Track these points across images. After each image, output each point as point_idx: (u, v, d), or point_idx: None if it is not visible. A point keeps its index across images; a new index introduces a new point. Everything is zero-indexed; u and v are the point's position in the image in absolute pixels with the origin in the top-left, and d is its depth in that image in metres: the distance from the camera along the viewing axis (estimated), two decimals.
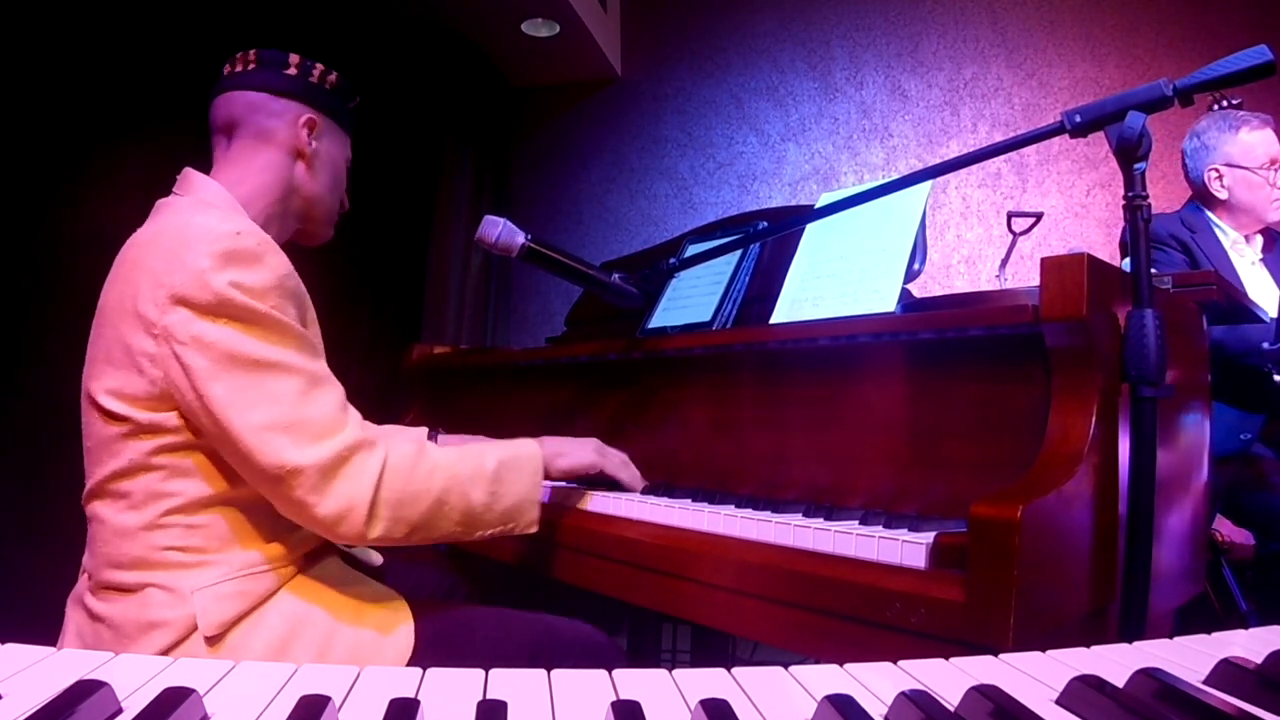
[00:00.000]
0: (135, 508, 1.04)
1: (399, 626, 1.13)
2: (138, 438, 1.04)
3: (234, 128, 1.20)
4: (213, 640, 1.02)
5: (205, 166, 1.21)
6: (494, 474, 1.15)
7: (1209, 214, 2.24)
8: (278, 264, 1.07)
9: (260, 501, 1.07)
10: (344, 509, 1.03)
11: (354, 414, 1.09)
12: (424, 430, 1.55)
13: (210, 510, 1.06)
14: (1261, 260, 2.22)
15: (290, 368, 1.04)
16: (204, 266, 1.01)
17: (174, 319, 1.00)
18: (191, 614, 1.01)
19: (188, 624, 1.01)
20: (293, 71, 1.23)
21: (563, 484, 1.43)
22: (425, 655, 1.11)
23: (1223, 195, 2.21)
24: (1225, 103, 2.36)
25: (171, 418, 1.03)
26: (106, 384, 1.04)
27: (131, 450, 1.04)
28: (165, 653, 1.00)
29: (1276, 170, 2.15)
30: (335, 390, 1.09)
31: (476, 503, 1.13)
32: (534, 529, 1.20)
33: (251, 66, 1.21)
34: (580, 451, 1.31)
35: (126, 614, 1.03)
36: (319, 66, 1.25)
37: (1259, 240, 2.25)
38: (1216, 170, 2.21)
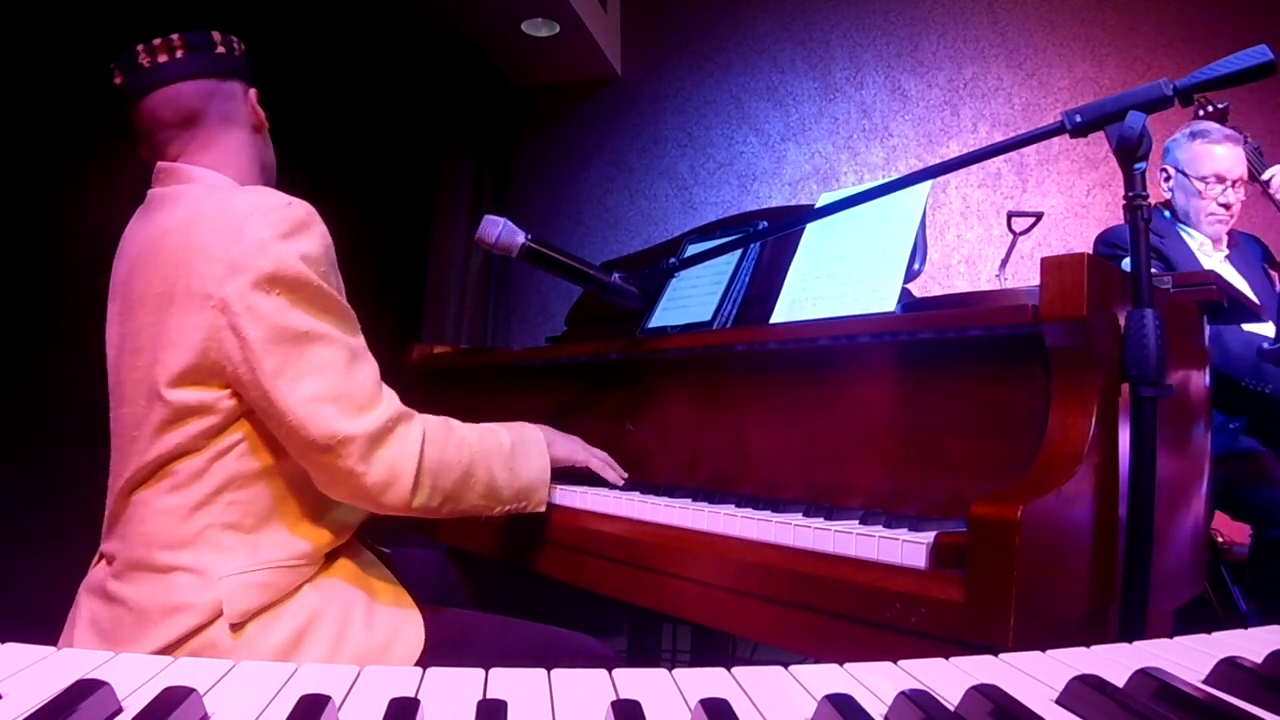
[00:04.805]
0: (178, 488, 1.05)
1: (409, 631, 1.14)
2: (185, 420, 1.04)
3: (195, 118, 1.16)
4: (235, 628, 1.02)
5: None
6: (511, 451, 1.22)
7: (1173, 218, 2.28)
8: (324, 232, 1.10)
9: (300, 479, 1.08)
10: (390, 477, 1.06)
11: (387, 387, 1.11)
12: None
13: (251, 487, 1.07)
14: (1227, 258, 2.24)
15: (334, 340, 1.06)
16: (264, 236, 1.02)
17: (231, 290, 1.01)
18: (217, 599, 1.02)
19: (213, 609, 1.02)
20: (222, 50, 1.19)
21: (559, 484, 1.43)
22: (431, 659, 1.12)
23: (1166, 195, 2.27)
24: (1211, 107, 2.38)
25: (218, 396, 1.04)
26: (156, 369, 1.04)
27: (177, 434, 1.05)
28: (188, 636, 1.01)
29: (1218, 187, 2.16)
30: (372, 363, 1.11)
31: (498, 477, 1.19)
32: (543, 508, 1.27)
33: (180, 54, 1.15)
34: (569, 444, 1.37)
35: (152, 596, 1.03)
36: (233, 38, 1.23)
37: (1224, 238, 2.28)
38: (1166, 170, 2.27)
